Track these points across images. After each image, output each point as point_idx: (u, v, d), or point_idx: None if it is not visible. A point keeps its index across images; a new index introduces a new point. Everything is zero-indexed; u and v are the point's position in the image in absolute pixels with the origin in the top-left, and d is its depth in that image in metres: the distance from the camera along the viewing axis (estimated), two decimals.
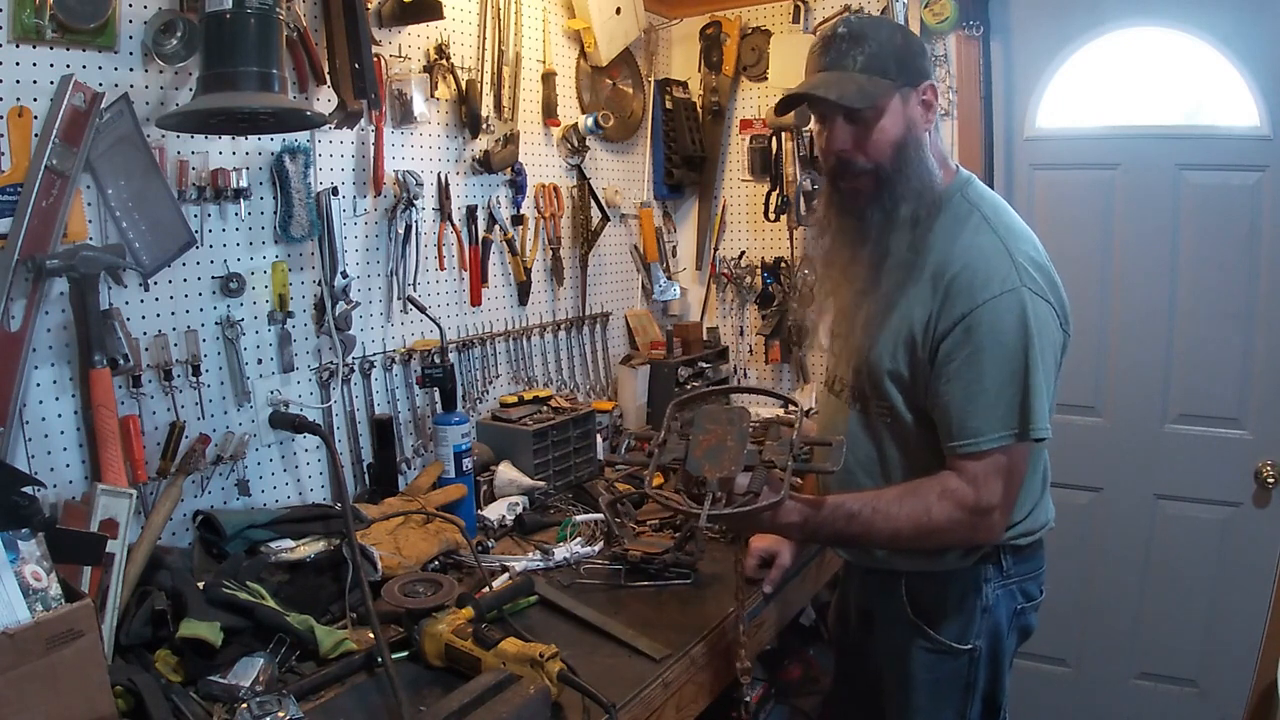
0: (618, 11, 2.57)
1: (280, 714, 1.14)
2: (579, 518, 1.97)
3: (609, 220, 2.70)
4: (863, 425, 1.47)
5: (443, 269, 2.16)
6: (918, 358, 1.35)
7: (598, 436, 2.35)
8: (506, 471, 2.09)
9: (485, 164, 2.22)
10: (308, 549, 1.55)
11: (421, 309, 2.01)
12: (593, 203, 2.63)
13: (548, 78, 2.44)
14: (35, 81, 1.38)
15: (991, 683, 1.47)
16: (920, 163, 1.37)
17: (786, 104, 1.44)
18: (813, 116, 1.49)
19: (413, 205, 2.01)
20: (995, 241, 1.33)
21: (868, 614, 1.61)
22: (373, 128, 1.92)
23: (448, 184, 2.14)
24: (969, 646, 1.44)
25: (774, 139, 2.76)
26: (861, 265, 1.41)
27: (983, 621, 1.44)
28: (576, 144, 2.54)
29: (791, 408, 1.48)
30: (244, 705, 1.15)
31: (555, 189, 2.51)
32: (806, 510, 1.35)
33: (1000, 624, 1.45)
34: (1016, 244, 1.33)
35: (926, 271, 1.35)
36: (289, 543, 1.57)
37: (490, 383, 2.33)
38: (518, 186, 2.36)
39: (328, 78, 1.79)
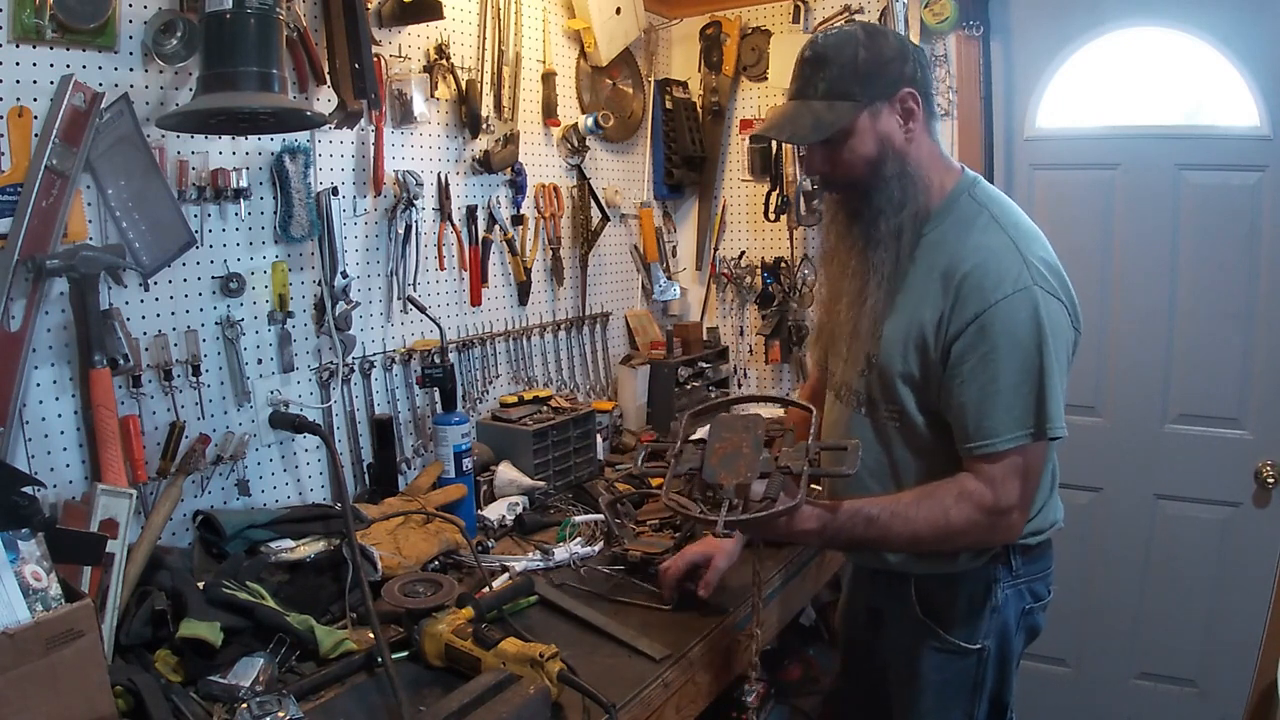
0: (618, 11, 2.57)
1: (280, 714, 1.14)
2: (579, 518, 1.97)
3: (609, 220, 2.70)
4: (871, 430, 1.46)
5: (443, 269, 2.16)
6: (929, 359, 1.35)
7: (598, 436, 2.35)
8: (506, 471, 2.09)
9: (485, 164, 2.22)
10: (308, 549, 1.55)
11: (421, 309, 2.01)
12: (593, 203, 2.63)
13: (548, 78, 2.44)
14: (35, 81, 1.38)
15: (999, 683, 1.47)
16: (901, 176, 1.37)
17: (759, 136, 1.48)
18: None
19: (413, 205, 2.01)
20: (1006, 240, 1.32)
21: (876, 613, 1.61)
22: (373, 128, 1.92)
23: (448, 184, 2.14)
24: (978, 646, 1.44)
25: (773, 139, 2.77)
26: (860, 273, 1.42)
27: (992, 621, 1.43)
28: (576, 144, 2.54)
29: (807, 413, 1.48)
30: (244, 705, 1.15)
31: (555, 189, 2.51)
32: (824, 515, 1.35)
33: (1009, 624, 1.45)
34: (1027, 243, 1.33)
35: (936, 272, 1.35)
36: (289, 543, 1.57)
37: (490, 383, 2.33)
38: (518, 186, 2.36)
39: (328, 78, 1.79)
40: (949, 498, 1.31)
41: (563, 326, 2.60)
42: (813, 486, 1.64)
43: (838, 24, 2.61)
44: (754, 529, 1.36)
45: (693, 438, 1.43)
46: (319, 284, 1.85)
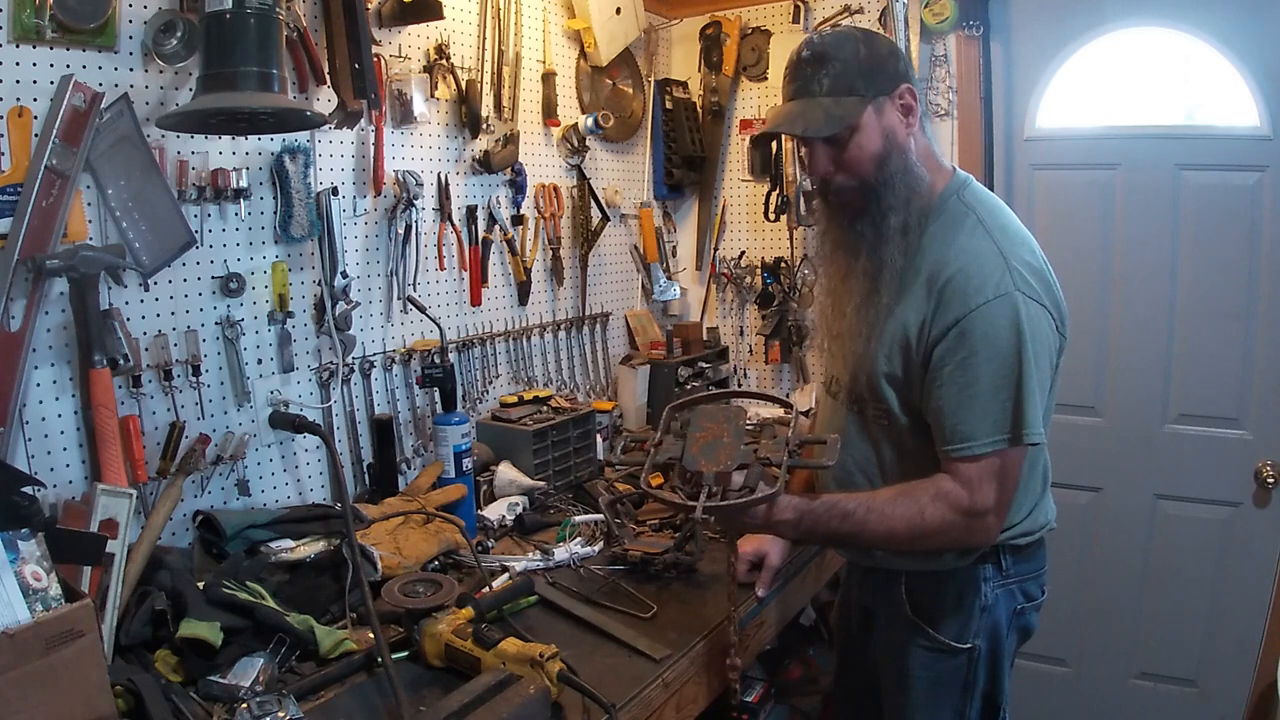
0: (618, 11, 2.57)
1: (280, 714, 1.14)
2: (579, 518, 1.97)
3: (609, 220, 2.70)
4: (860, 427, 1.47)
5: (443, 269, 2.16)
6: (912, 361, 1.36)
7: (598, 436, 2.35)
8: (506, 471, 2.09)
9: (485, 164, 2.22)
10: (308, 549, 1.55)
11: (421, 309, 2.01)
12: (593, 203, 2.63)
13: (548, 78, 2.44)
14: (35, 81, 1.38)
15: (991, 682, 1.47)
16: (905, 171, 1.37)
17: (760, 138, 1.47)
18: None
19: (413, 205, 2.01)
20: (990, 245, 1.32)
21: (868, 612, 1.61)
22: (373, 128, 1.92)
23: (448, 184, 2.14)
24: (968, 646, 1.44)
25: (774, 139, 2.76)
26: (858, 274, 1.41)
27: (982, 621, 1.44)
28: (576, 144, 2.54)
29: (788, 409, 1.49)
30: (244, 705, 1.15)
31: (555, 189, 2.51)
32: (801, 507, 1.36)
33: (1000, 623, 1.45)
34: (1012, 248, 1.33)
35: (921, 275, 1.35)
36: (289, 543, 1.57)
37: (490, 383, 2.33)
38: (518, 186, 2.36)
39: (328, 78, 1.79)
40: (925, 497, 1.32)
41: (563, 326, 2.60)
42: None
43: (836, 24, 2.62)
44: (732, 517, 1.37)
45: (673, 429, 1.45)
46: (319, 284, 1.85)
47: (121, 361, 1.48)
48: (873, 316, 1.40)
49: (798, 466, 1.37)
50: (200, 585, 1.38)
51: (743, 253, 2.96)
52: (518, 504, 2.01)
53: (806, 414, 2.04)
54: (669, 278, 2.96)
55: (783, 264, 2.87)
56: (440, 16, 1.96)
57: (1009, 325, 1.27)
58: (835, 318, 1.49)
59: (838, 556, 2.02)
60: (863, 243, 1.40)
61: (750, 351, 3.00)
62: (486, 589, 1.57)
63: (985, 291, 1.28)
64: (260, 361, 1.76)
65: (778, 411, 2.68)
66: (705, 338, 2.92)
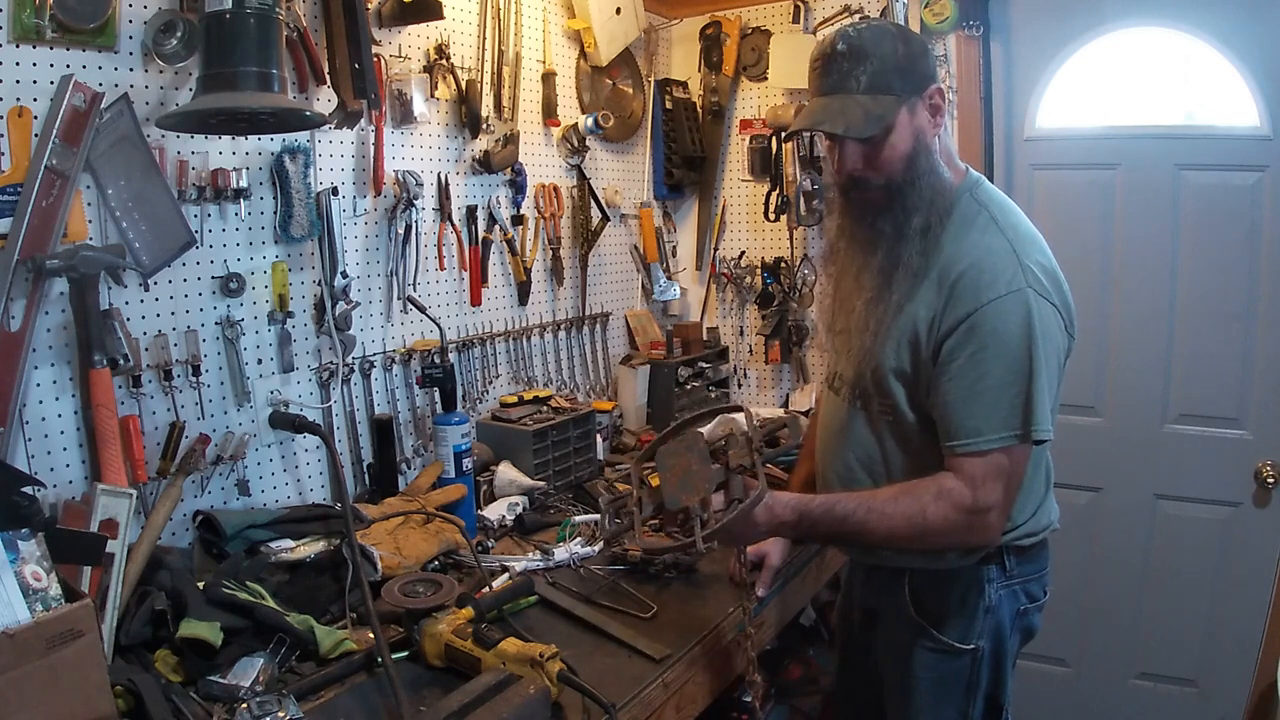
0: (618, 11, 2.57)
1: (280, 714, 1.14)
2: (579, 518, 1.97)
3: (609, 220, 2.70)
4: (864, 424, 1.46)
5: (443, 269, 2.16)
6: (921, 356, 1.35)
7: (598, 436, 2.35)
8: (506, 471, 2.09)
9: (485, 164, 2.22)
10: (308, 549, 1.56)
11: (421, 309, 2.01)
12: (593, 203, 2.63)
13: (548, 78, 2.44)
14: (35, 81, 1.38)
15: (994, 683, 1.47)
16: (931, 170, 1.36)
17: (795, 133, 1.45)
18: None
19: (413, 205, 2.01)
20: (1003, 242, 1.32)
21: (871, 612, 1.61)
22: (373, 128, 1.92)
23: (448, 184, 2.14)
24: (971, 646, 1.44)
25: (774, 139, 2.77)
26: (872, 270, 1.40)
27: (985, 621, 1.43)
28: (576, 144, 2.54)
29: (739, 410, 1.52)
30: (244, 705, 1.15)
31: (555, 189, 2.51)
32: (800, 508, 1.36)
33: (1003, 624, 1.45)
34: (1024, 246, 1.32)
35: (934, 271, 1.35)
36: (289, 543, 1.57)
37: (490, 383, 2.33)
38: (518, 186, 2.36)
39: (328, 78, 1.79)
40: (927, 495, 1.31)
41: (563, 326, 2.60)
42: None
43: (837, 24, 2.61)
44: (734, 534, 1.36)
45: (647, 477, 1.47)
46: (319, 284, 1.85)
47: (121, 361, 1.48)
48: (882, 312, 1.39)
49: (771, 460, 1.37)
50: (200, 585, 1.38)
51: (743, 253, 2.96)
52: (518, 504, 2.01)
53: (806, 414, 2.04)
54: (669, 278, 2.96)
55: (783, 264, 2.86)
56: (440, 16, 1.96)
57: (1020, 321, 1.27)
58: (841, 312, 1.48)
59: (838, 556, 2.02)
60: (881, 240, 1.38)
61: (750, 351, 3.00)
62: (486, 589, 1.57)
63: (998, 286, 1.28)
64: (260, 361, 1.76)
65: (777, 411, 2.69)
66: (705, 338, 2.92)
